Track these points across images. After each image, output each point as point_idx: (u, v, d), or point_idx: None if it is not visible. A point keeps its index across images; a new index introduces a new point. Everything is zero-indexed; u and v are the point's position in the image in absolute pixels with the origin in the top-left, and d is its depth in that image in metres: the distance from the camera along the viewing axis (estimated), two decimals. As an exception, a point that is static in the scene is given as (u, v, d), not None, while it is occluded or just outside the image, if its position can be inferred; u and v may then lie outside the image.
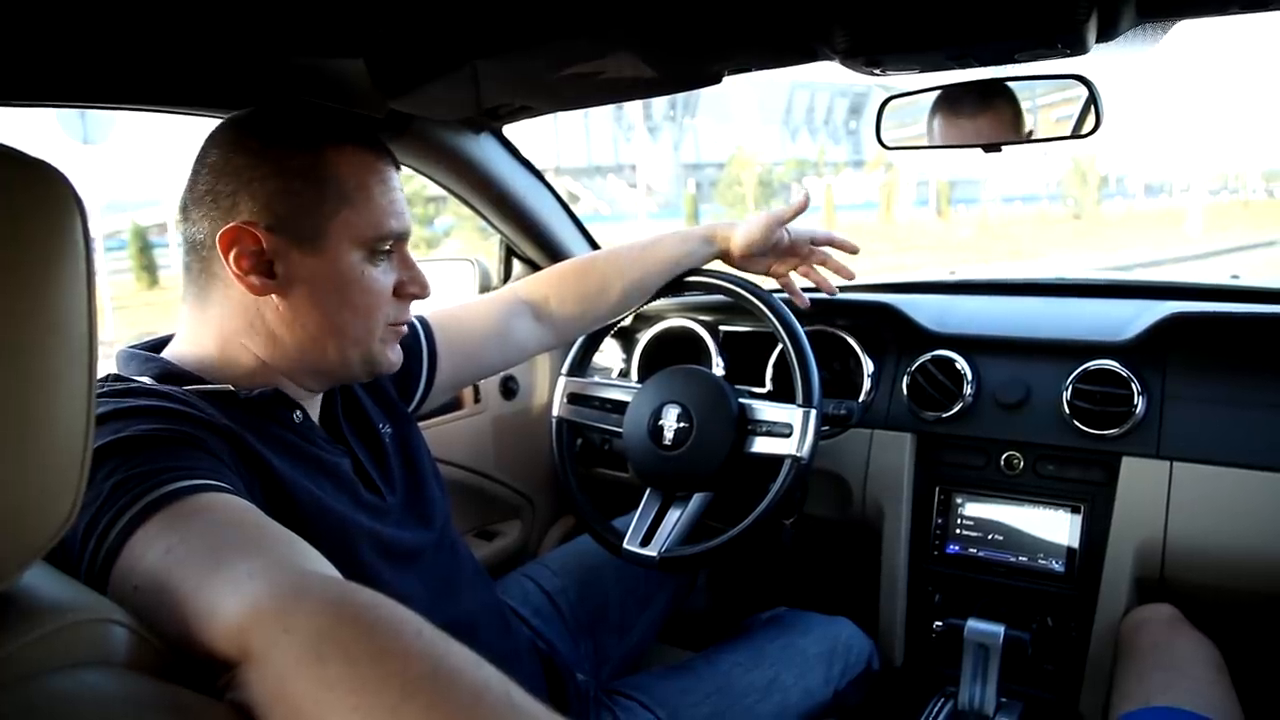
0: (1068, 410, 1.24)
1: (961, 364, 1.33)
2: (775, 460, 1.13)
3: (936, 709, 1.25)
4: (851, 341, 1.43)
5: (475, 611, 0.90)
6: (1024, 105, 1.05)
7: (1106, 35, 0.83)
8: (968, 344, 1.36)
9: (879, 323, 1.43)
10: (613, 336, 1.63)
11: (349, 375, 0.82)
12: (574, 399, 1.33)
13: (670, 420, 1.20)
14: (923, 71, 0.98)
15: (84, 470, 0.41)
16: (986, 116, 1.06)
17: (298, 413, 0.78)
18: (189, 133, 0.78)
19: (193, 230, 0.74)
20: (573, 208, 1.60)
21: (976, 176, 30.91)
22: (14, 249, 0.37)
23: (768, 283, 1.29)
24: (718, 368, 1.48)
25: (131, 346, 0.79)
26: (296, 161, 0.73)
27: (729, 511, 1.20)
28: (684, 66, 1.00)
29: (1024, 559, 1.28)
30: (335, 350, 0.78)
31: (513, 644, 0.95)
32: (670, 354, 1.55)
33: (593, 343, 1.36)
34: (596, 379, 1.36)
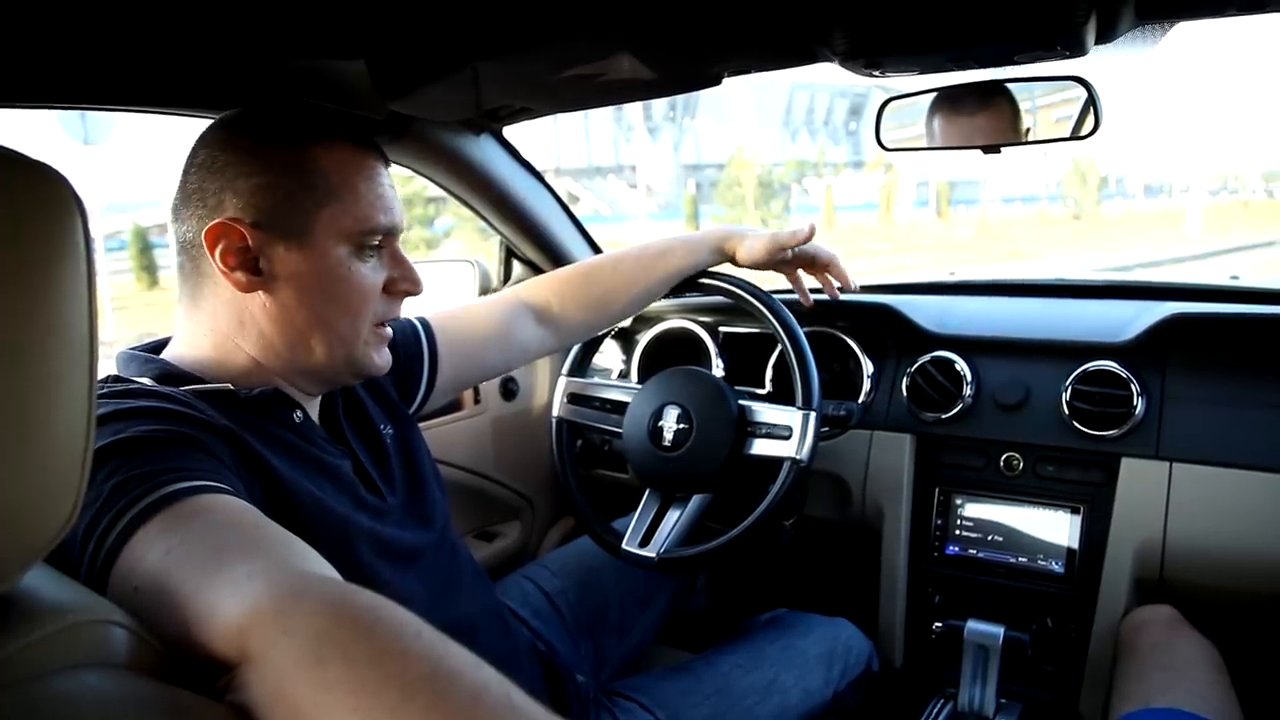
0: (1067, 411, 1.24)
1: (961, 365, 1.33)
2: (775, 462, 1.13)
3: (936, 710, 1.25)
4: (851, 343, 1.43)
5: (475, 613, 0.90)
6: (1023, 106, 1.05)
7: (1105, 37, 0.83)
8: (967, 345, 1.36)
9: (879, 324, 1.43)
10: (613, 337, 1.63)
11: (334, 377, 0.81)
12: (574, 400, 1.33)
13: (670, 421, 1.20)
14: (922, 73, 0.98)
15: (85, 471, 0.41)
16: (986, 118, 1.06)
17: (298, 412, 0.78)
18: (189, 134, 0.78)
19: (183, 229, 0.75)
20: (573, 209, 1.60)
21: (976, 177, 30.94)
22: (15, 250, 0.37)
23: (768, 284, 1.29)
24: (717, 369, 1.48)
25: (131, 348, 0.79)
26: (282, 158, 0.73)
27: (728, 513, 1.20)
28: (684, 68, 1.00)
29: (1024, 560, 1.28)
30: (322, 349, 0.77)
31: (512, 645, 0.95)
32: (670, 355, 1.55)
33: (593, 344, 1.36)
34: (596, 380, 1.36)
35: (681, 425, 1.19)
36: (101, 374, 0.64)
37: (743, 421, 1.16)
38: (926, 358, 1.36)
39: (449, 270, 1.54)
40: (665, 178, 30.67)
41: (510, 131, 1.38)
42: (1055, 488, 1.27)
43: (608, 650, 1.20)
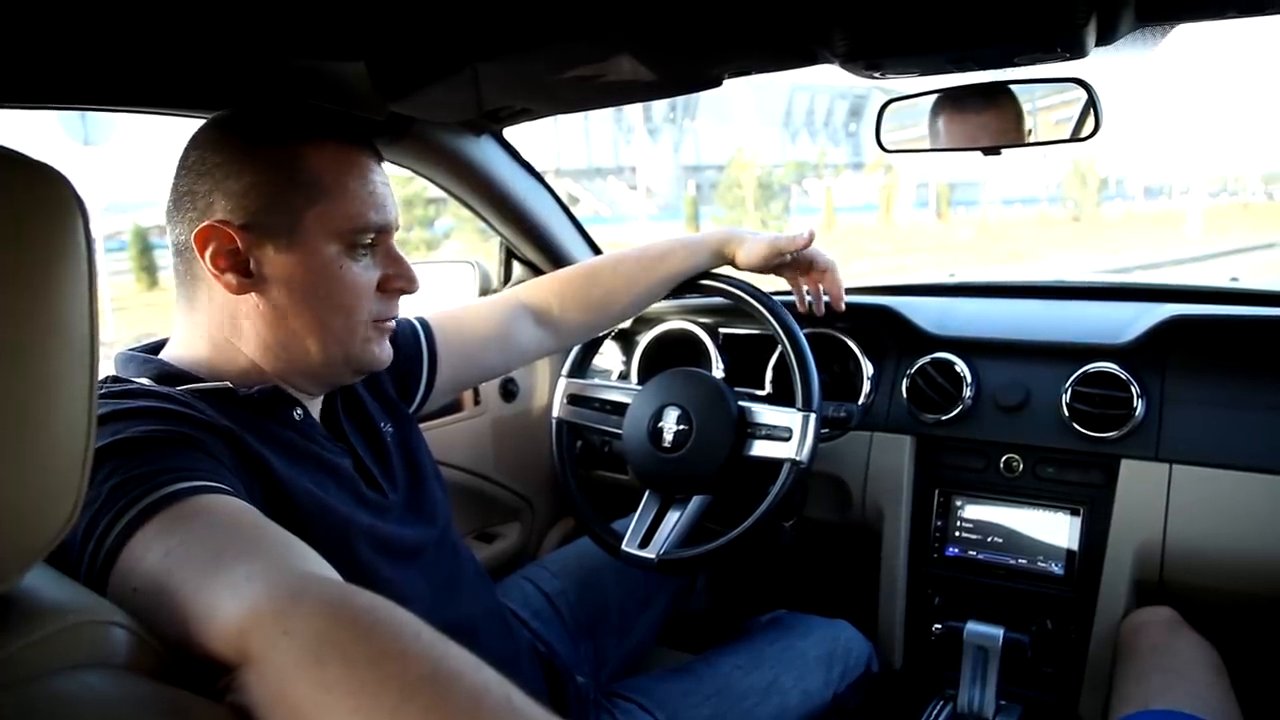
0: (1067, 413, 1.24)
1: (961, 366, 1.34)
2: (775, 463, 1.13)
3: (936, 711, 1.24)
4: (851, 344, 1.43)
5: (476, 614, 0.90)
6: (1024, 108, 1.05)
7: (1105, 39, 0.83)
8: (967, 346, 1.36)
9: (879, 325, 1.43)
10: (613, 339, 1.63)
11: (334, 375, 0.81)
12: (574, 400, 1.33)
13: (670, 422, 1.20)
14: (922, 74, 0.98)
15: (85, 472, 0.41)
16: (986, 119, 1.06)
17: (298, 410, 0.78)
18: (189, 134, 0.78)
19: (176, 233, 0.75)
20: (573, 210, 1.61)
21: (976, 179, 30.93)
22: (16, 250, 0.37)
23: (768, 285, 1.29)
24: (718, 370, 1.48)
25: (129, 348, 0.79)
26: (269, 157, 0.73)
27: (728, 514, 1.20)
28: (684, 69, 1.00)
29: (1023, 561, 1.28)
30: (318, 348, 0.77)
31: (513, 646, 0.95)
32: (670, 356, 1.55)
33: (593, 345, 1.36)
34: (596, 381, 1.36)
35: (681, 426, 1.19)
36: (100, 375, 0.64)
37: (743, 423, 1.16)
38: (926, 359, 1.36)
39: (449, 271, 1.55)
40: (665, 179, 30.67)
41: (510, 132, 1.38)
42: (1055, 489, 1.27)
43: (608, 651, 1.20)
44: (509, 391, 1.58)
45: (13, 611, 0.41)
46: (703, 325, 1.54)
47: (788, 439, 1.12)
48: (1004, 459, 1.30)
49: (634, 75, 0.96)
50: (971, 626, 1.23)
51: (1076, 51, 0.84)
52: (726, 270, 1.25)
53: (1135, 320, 1.27)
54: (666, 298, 1.25)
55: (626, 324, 1.59)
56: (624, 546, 1.19)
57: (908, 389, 1.37)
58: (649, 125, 30.18)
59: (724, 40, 0.91)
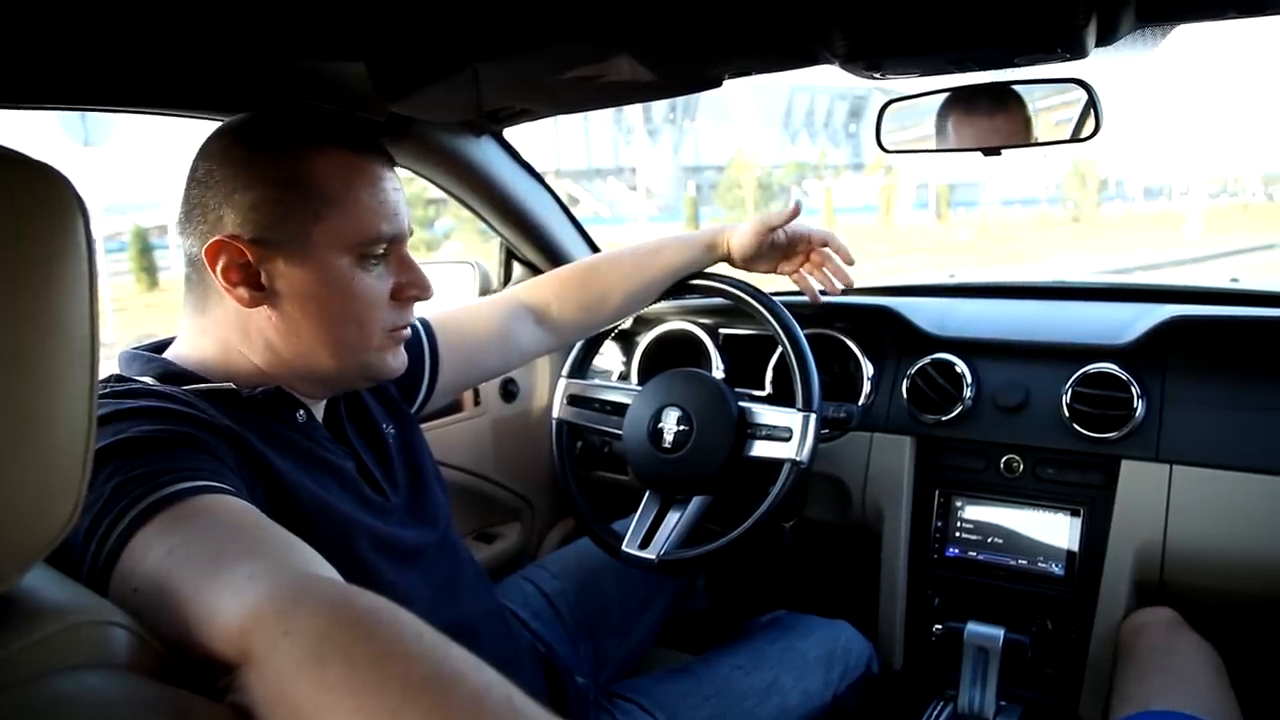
0: (1067, 413, 1.24)
1: (961, 367, 1.34)
2: (775, 464, 1.13)
3: (936, 712, 1.24)
4: (851, 345, 1.43)
5: (477, 614, 0.90)
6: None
7: (1106, 40, 0.83)
8: (967, 347, 1.36)
9: (878, 326, 1.43)
10: (613, 339, 1.63)
11: (347, 384, 0.81)
12: (574, 401, 1.33)
13: (670, 423, 1.20)
14: (922, 75, 0.98)
15: (85, 472, 0.41)
16: (986, 120, 1.06)
17: (300, 412, 0.78)
18: (189, 135, 0.78)
19: (188, 244, 0.74)
20: (573, 210, 1.61)
21: (976, 179, 30.95)
22: (16, 251, 0.37)
23: (768, 285, 1.29)
24: (718, 371, 1.48)
25: (133, 347, 0.79)
26: (277, 168, 0.72)
27: (728, 514, 1.20)
28: (684, 70, 1.00)
29: (1023, 562, 1.28)
30: (331, 360, 0.76)
31: (513, 647, 0.95)
32: (670, 357, 1.55)
33: (593, 345, 1.36)
34: (596, 381, 1.36)
35: (681, 427, 1.19)
36: (103, 374, 0.64)
37: (743, 423, 1.16)
38: (926, 360, 1.36)
39: (449, 272, 1.54)
40: (665, 180, 30.69)
41: (510, 133, 1.38)
42: (1055, 490, 1.27)
43: (607, 652, 1.20)
44: (509, 392, 1.58)
45: (13, 611, 0.41)
46: (703, 326, 1.54)
47: (788, 439, 1.12)
48: (1004, 459, 1.30)
49: (634, 75, 0.96)
50: (972, 627, 1.23)
51: (1076, 52, 0.84)
52: (726, 270, 1.26)
53: (1135, 321, 1.27)
54: (667, 298, 1.25)
55: (627, 324, 1.59)
56: (624, 547, 1.19)
57: (908, 389, 1.37)
58: (649, 126, 30.20)
59: (724, 40, 0.91)
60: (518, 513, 1.62)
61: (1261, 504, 1.11)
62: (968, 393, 1.32)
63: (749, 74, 1.02)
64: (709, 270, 1.26)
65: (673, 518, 1.19)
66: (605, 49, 0.89)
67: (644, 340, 1.60)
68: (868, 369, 1.41)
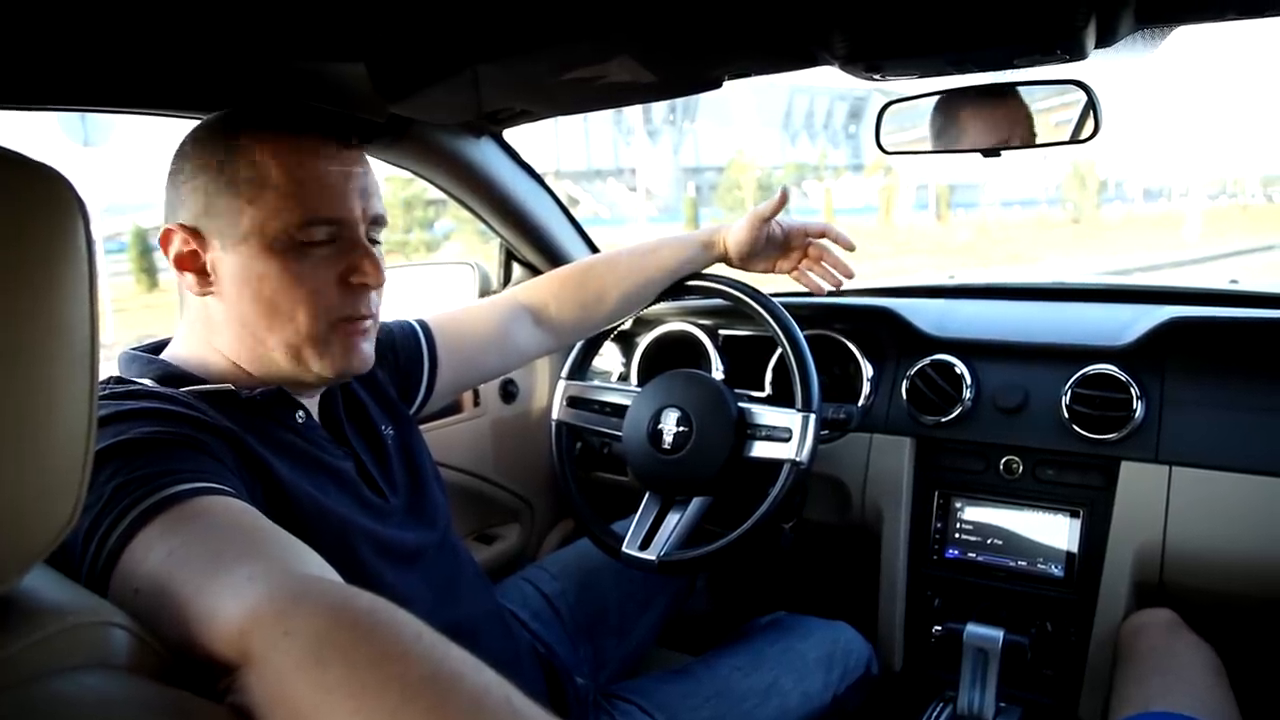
0: (1067, 415, 1.24)
1: (961, 368, 1.34)
2: (774, 465, 1.13)
3: (935, 713, 1.24)
4: (851, 346, 1.43)
5: (477, 615, 0.90)
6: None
7: (1105, 41, 0.83)
8: (967, 348, 1.36)
9: (878, 327, 1.43)
10: (612, 340, 1.63)
11: (308, 378, 0.77)
12: (574, 402, 1.33)
13: (670, 424, 1.20)
14: (922, 76, 0.98)
15: (85, 473, 0.41)
16: (986, 121, 1.06)
17: (299, 413, 0.78)
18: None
19: None
20: (572, 211, 1.61)
21: (975, 181, 30.96)
22: (16, 251, 0.37)
23: (768, 286, 1.29)
24: (717, 372, 1.48)
25: (133, 348, 0.79)
26: (211, 153, 0.73)
27: (728, 515, 1.20)
28: (684, 71, 1.00)
29: (1023, 563, 1.28)
30: (280, 349, 0.74)
31: (513, 647, 0.95)
32: (670, 358, 1.55)
33: (592, 346, 1.36)
34: (596, 382, 1.36)
35: (681, 428, 1.19)
36: (103, 375, 0.64)
37: (742, 424, 1.16)
38: (926, 361, 1.36)
39: (449, 273, 1.55)
40: (665, 181, 30.69)
41: (510, 134, 1.38)
42: (1055, 491, 1.27)
43: (607, 652, 1.20)
44: (509, 393, 1.58)
45: (13, 612, 0.41)
46: (702, 327, 1.54)
47: (787, 440, 1.12)
48: (1004, 461, 1.30)
49: (634, 77, 0.96)
50: (971, 628, 1.23)
51: (1076, 53, 0.84)
52: (725, 271, 1.26)
53: (1135, 322, 1.27)
54: (666, 298, 1.26)
55: (626, 325, 1.59)
56: (624, 548, 1.19)
57: (907, 390, 1.37)
58: (649, 127, 30.20)
59: (724, 42, 0.91)
60: (517, 514, 1.62)
61: (1261, 505, 1.11)
62: (967, 394, 1.32)
63: (749, 75, 1.02)
64: (708, 271, 1.27)
65: (672, 519, 1.19)
66: (606, 50, 0.89)
67: (643, 341, 1.60)
68: (867, 370, 1.41)
